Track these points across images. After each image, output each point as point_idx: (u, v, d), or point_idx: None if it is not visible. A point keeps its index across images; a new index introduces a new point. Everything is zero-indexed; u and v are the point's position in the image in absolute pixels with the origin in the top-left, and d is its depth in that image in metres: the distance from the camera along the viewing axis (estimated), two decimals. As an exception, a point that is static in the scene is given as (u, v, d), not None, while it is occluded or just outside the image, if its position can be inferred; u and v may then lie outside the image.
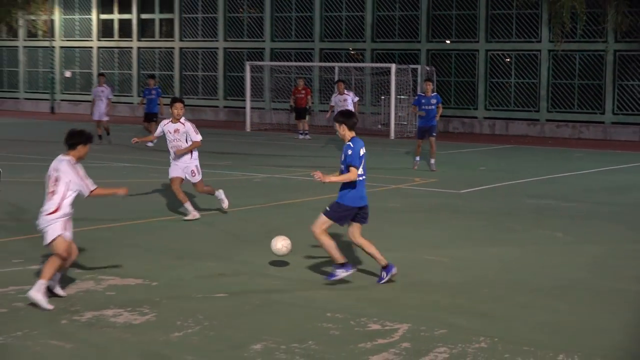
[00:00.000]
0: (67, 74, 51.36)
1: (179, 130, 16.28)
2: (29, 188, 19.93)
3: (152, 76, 33.70)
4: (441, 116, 25.23)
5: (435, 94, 24.68)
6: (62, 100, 51.52)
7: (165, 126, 16.41)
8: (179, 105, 16.33)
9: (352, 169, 11.39)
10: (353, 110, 28.34)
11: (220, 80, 46.76)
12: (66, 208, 10.69)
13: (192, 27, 47.67)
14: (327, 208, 11.56)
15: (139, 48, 49.24)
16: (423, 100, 24.26)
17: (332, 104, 31.18)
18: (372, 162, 26.68)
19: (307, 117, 35.97)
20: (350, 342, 9.19)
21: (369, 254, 11.78)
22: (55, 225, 10.60)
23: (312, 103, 38.69)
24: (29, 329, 9.49)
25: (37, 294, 10.26)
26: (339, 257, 11.58)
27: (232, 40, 46.44)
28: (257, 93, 42.73)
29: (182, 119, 16.35)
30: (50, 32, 51.77)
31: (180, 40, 47.90)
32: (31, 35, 52.93)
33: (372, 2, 42.69)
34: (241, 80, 43.98)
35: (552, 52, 39.25)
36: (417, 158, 24.48)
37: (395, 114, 37.32)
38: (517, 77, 40.19)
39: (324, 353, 8.83)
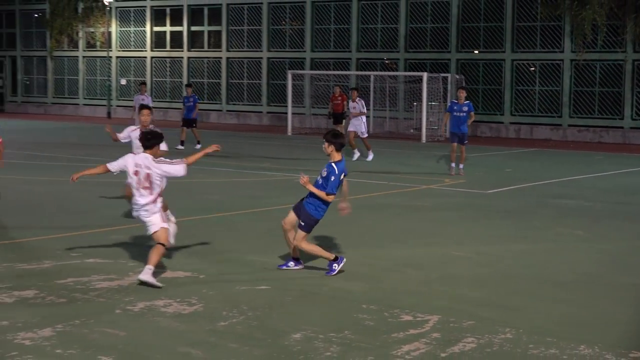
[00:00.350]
0: (123, 81, 51.67)
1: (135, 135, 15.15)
2: (85, 187, 20.04)
3: (189, 85, 33.77)
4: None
5: (468, 102, 23.90)
6: (117, 106, 51.81)
7: (133, 132, 15.07)
8: (145, 112, 15.26)
9: (330, 196, 11.55)
10: (358, 115, 28.09)
11: (264, 88, 46.80)
12: (160, 200, 11.41)
13: (238, 38, 47.77)
14: (302, 223, 11.61)
15: (189, 58, 49.41)
16: (455, 107, 23.83)
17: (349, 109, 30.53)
18: (404, 164, 26.75)
19: (344, 122, 35.87)
20: (383, 332, 9.15)
21: (306, 252, 11.82)
22: (155, 217, 11.31)
23: (348, 109, 38.61)
24: (85, 317, 9.53)
25: (146, 276, 10.86)
26: (329, 255, 11.75)
27: (275, 51, 46.48)
28: (298, 99, 42.75)
29: (151, 127, 15.02)
30: (107, 43, 52.08)
31: (227, 50, 48.01)
32: (90, 46, 53.28)
33: (405, 15, 42.55)
34: (283, 88, 44.02)
35: (574, 61, 38.92)
36: (453, 164, 23.89)
37: (427, 119, 37.18)
38: (541, 85, 39.89)
39: (359, 342, 8.79)
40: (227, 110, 48.00)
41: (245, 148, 31.92)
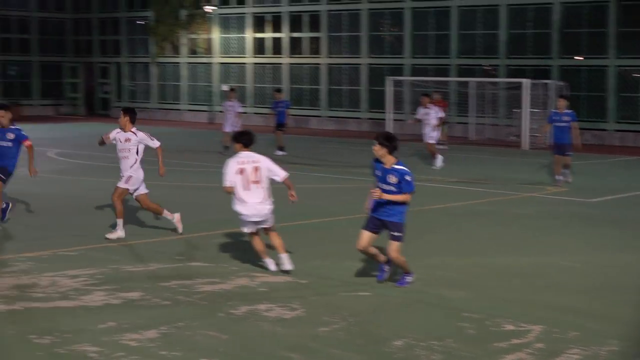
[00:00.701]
0: (225, 87, 52.28)
1: (130, 140, 14.67)
2: (188, 191, 20.33)
3: (279, 90, 33.81)
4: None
5: (570, 111, 22.89)
6: (219, 111, 52.43)
7: (118, 134, 14.79)
8: (121, 114, 14.86)
9: (409, 195, 11.08)
10: (436, 124, 27.29)
11: (363, 94, 46.83)
12: (270, 193, 11.98)
13: (338, 44, 47.90)
14: (397, 234, 11.14)
15: (289, 64, 49.77)
16: (556, 117, 23.00)
17: (417, 116, 29.15)
18: (505, 171, 26.40)
19: (444, 129, 35.69)
20: (486, 341, 9.03)
21: (398, 264, 11.42)
22: (271, 211, 11.97)
23: (449, 115, 38.35)
24: (189, 320, 9.66)
25: (291, 264, 11.97)
26: (409, 268, 11.44)
27: (374, 57, 46.47)
28: (397, 105, 42.63)
29: (134, 129, 14.75)
30: (209, 50, 52.79)
31: (327, 56, 48.19)
32: (192, 52, 54.10)
33: (505, 20, 42.08)
34: (383, 94, 43.95)
35: (681, 67, 37.92)
36: (558, 177, 22.77)
37: (528, 126, 36.66)
38: (646, 92, 38.96)
39: (460, 351, 8.69)
40: (327, 116, 48.17)
41: (344, 154, 31.95)
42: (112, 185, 21.22)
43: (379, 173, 11.26)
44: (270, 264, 12.10)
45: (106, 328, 9.33)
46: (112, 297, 10.60)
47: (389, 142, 11.14)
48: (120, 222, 14.57)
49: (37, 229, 15.40)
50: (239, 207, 11.83)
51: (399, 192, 11.05)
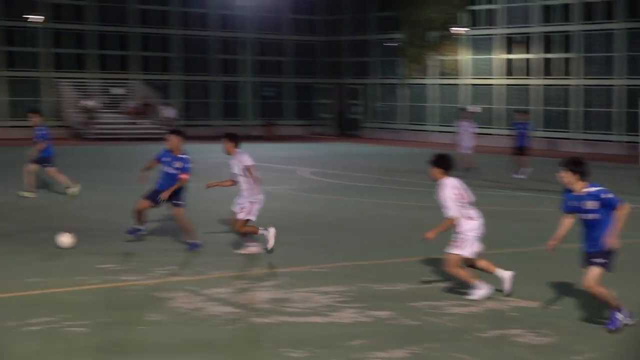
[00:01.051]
0: (476, 109, 51.89)
1: (233, 164, 14.56)
2: (434, 212, 20.32)
3: (523, 111, 33.16)
4: None
5: None
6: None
7: (230, 162, 14.76)
8: (225, 140, 14.68)
9: (623, 207, 10.03)
10: None
11: (618, 116, 45.26)
12: None
13: (593, 65, 46.58)
14: (597, 260, 9.96)
15: (540, 85, 48.88)
16: None
17: None
18: None
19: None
20: None
21: (597, 297, 10.20)
22: None
23: None
24: (438, 341, 9.67)
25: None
26: (616, 303, 10.17)
27: (630, 78, 44.85)
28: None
29: (236, 152, 14.57)
30: (459, 71, 52.73)
31: (581, 77, 46.96)
32: (442, 73, 54.23)
33: None
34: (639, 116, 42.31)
35: None
36: None
37: None
38: None
39: None
40: (579, 139, 46.91)
41: (594, 179, 30.85)
42: (366, 205, 21.64)
43: (574, 204, 10.31)
44: (482, 289, 11.61)
45: (355, 345, 9.50)
46: (361, 315, 10.78)
47: (579, 167, 10.30)
48: (266, 232, 14.60)
49: (291, 245, 15.86)
50: (471, 225, 11.57)
51: (606, 216, 10.07)
